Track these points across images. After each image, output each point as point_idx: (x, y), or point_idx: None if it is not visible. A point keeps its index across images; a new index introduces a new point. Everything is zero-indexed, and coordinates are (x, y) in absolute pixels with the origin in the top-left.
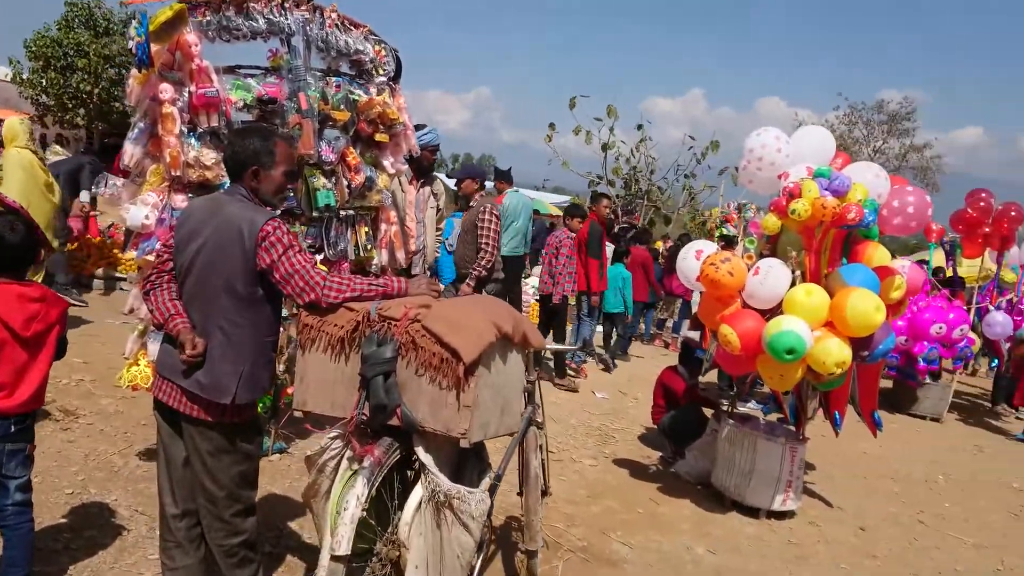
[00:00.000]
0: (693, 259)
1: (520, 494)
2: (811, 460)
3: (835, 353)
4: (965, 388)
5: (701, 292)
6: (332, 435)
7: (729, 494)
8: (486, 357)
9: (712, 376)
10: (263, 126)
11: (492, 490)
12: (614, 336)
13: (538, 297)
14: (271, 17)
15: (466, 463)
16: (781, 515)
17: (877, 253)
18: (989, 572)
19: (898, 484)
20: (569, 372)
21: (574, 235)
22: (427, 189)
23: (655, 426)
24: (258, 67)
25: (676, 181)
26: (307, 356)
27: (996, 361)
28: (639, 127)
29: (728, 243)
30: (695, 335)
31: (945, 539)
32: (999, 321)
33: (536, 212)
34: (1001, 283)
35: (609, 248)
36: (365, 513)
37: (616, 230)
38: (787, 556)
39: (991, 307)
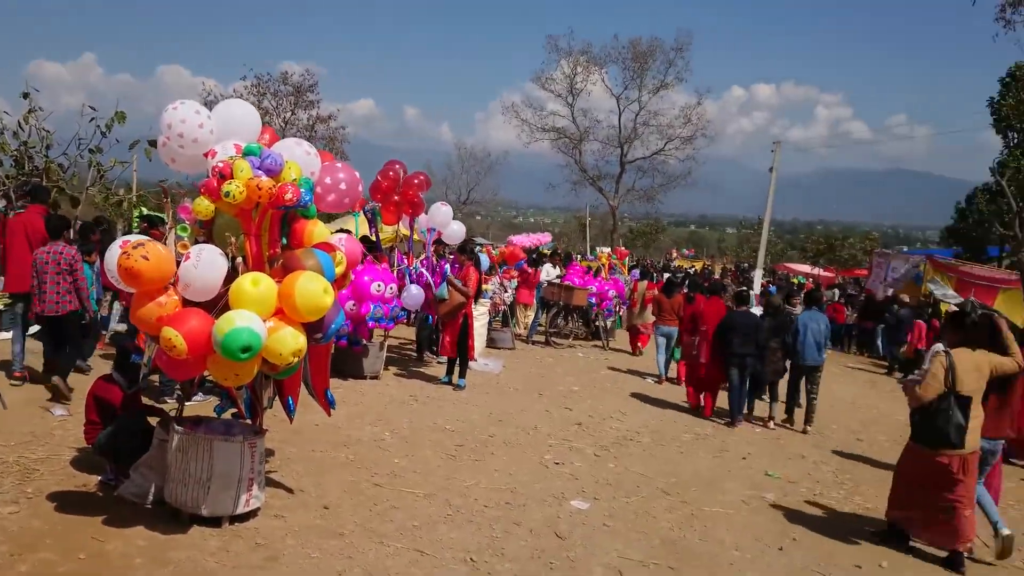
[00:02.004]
0: (118, 249)
1: None
2: (268, 445)
3: (291, 342)
4: (393, 342)
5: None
6: None
7: (187, 509)
8: None
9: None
10: None
11: None
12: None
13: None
14: None
15: None
16: (245, 516)
17: (316, 230)
18: (441, 519)
19: (351, 450)
20: None
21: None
22: None
23: (90, 447)
24: None
25: (81, 157)
26: None
27: (430, 318)
28: (25, 95)
29: (152, 224)
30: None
31: (401, 496)
32: (413, 293)
33: None
34: (414, 246)
35: None
36: None
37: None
38: (256, 561)
39: (409, 270)
